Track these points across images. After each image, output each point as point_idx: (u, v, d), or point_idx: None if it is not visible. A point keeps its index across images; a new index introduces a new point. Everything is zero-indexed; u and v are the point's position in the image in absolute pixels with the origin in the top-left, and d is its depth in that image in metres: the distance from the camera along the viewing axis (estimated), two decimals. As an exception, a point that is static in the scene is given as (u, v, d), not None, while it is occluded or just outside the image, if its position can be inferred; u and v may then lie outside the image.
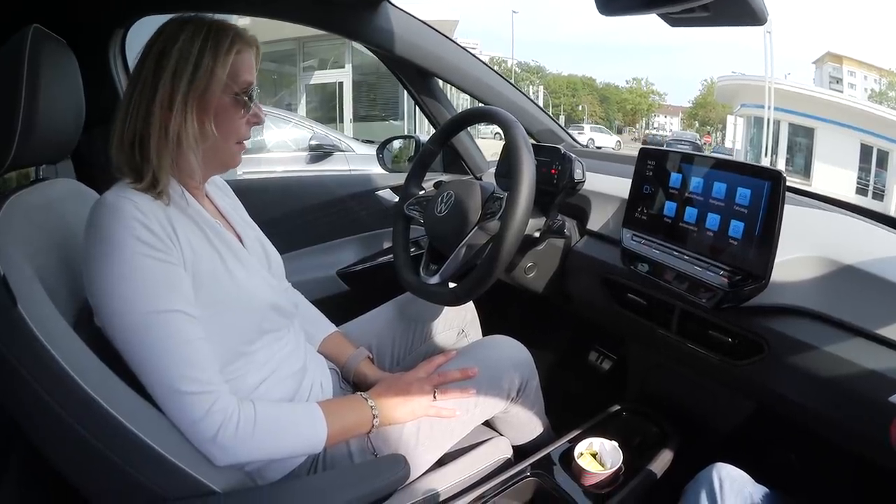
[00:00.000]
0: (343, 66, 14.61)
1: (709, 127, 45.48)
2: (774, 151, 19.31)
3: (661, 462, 1.29)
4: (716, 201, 1.10)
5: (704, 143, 34.16)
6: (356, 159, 5.63)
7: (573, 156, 1.38)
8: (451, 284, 1.29)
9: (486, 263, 1.18)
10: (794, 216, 1.15)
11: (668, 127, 51.47)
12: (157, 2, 1.51)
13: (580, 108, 52.27)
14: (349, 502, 0.89)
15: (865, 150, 16.84)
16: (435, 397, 1.13)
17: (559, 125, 2.04)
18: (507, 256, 1.15)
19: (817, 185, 16.33)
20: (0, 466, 0.94)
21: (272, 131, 6.39)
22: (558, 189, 1.37)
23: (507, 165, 1.19)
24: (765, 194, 1.02)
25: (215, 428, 0.84)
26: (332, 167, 5.67)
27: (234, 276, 0.96)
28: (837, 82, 24.08)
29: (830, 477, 1.30)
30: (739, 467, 1.02)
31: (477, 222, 1.30)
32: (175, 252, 0.87)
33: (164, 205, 0.90)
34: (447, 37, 1.81)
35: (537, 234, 1.40)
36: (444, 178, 1.91)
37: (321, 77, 15.24)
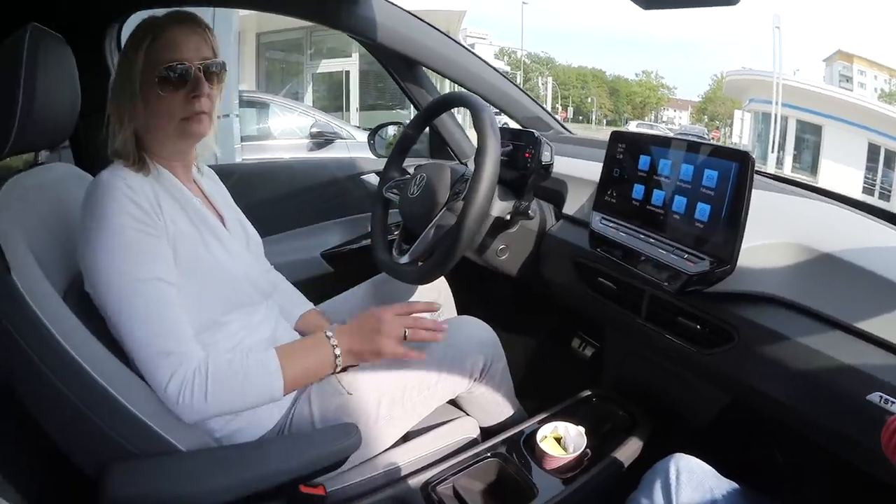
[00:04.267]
0: (350, 56, 14.59)
1: (717, 122, 45.27)
2: (782, 148, 19.11)
3: (628, 450, 1.28)
4: (683, 184, 1.09)
5: (712, 138, 33.92)
6: (357, 147, 5.67)
7: (543, 139, 1.39)
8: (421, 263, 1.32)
9: (448, 242, 1.20)
10: (769, 201, 1.14)
11: (678, 121, 51.38)
12: None
13: (589, 100, 52.12)
14: (298, 466, 0.95)
15: (873, 150, 16.65)
16: (406, 337, 1.10)
17: (547, 111, 2.05)
18: (468, 235, 1.17)
19: (824, 182, 16.19)
20: None
21: (278, 118, 6.58)
22: (529, 171, 1.39)
23: None
24: (732, 176, 1.00)
25: (178, 388, 0.91)
26: (333, 155, 5.73)
27: (210, 251, 1.05)
28: (847, 81, 23.64)
29: (818, 479, 1.27)
30: (717, 462, 1.00)
31: (445, 203, 1.33)
32: (160, 225, 0.97)
33: (153, 181, 1.02)
34: (432, 26, 1.83)
35: (508, 217, 1.42)
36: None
37: (328, 66, 15.23)
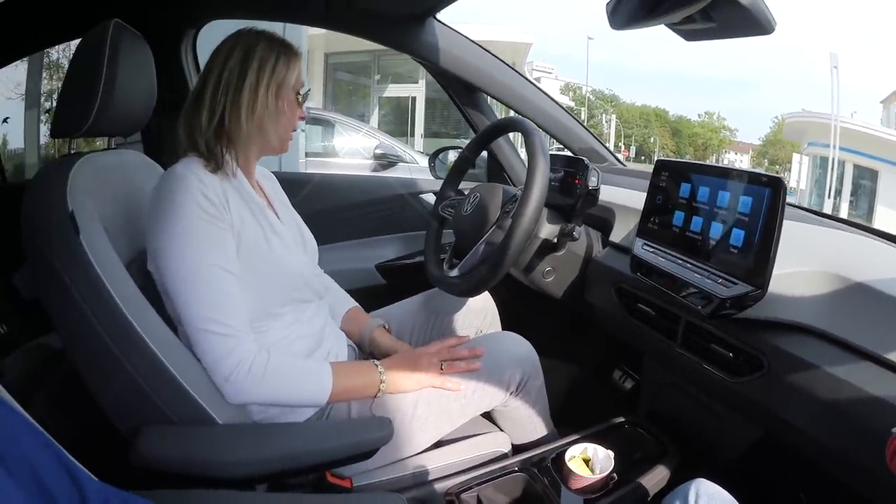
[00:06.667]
0: (416, 82, 14.86)
1: (777, 166, 43.83)
2: (839, 193, 18.05)
3: (655, 477, 1.28)
4: (720, 210, 1.10)
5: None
6: (419, 171, 5.71)
7: (591, 166, 1.44)
8: None
9: (494, 257, 1.26)
10: (805, 232, 1.15)
11: (738, 164, 49.95)
12: (226, 8, 1.68)
13: (652, 139, 51.48)
14: (329, 449, 1.02)
15: (930, 197, 15.73)
16: (442, 369, 1.24)
17: (602, 144, 2.09)
18: (515, 251, 1.23)
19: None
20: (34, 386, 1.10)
21: (343, 137, 6.77)
22: (578, 197, 1.45)
23: None
24: (765, 201, 1.01)
25: (231, 368, 1.01)
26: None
27: (272, 247, 1.14)
28: (907, 123, 22.67)
29: None
30: (743, 496, 0.96)
31: (496, 221, 1.40)
32: (227, 218, 1.06)
33: (221, 179, 1.10)
34: (493, 54, 1.92)
35: (556, 240, 1.46)
36: None
37: (395, 90, 15.54)
